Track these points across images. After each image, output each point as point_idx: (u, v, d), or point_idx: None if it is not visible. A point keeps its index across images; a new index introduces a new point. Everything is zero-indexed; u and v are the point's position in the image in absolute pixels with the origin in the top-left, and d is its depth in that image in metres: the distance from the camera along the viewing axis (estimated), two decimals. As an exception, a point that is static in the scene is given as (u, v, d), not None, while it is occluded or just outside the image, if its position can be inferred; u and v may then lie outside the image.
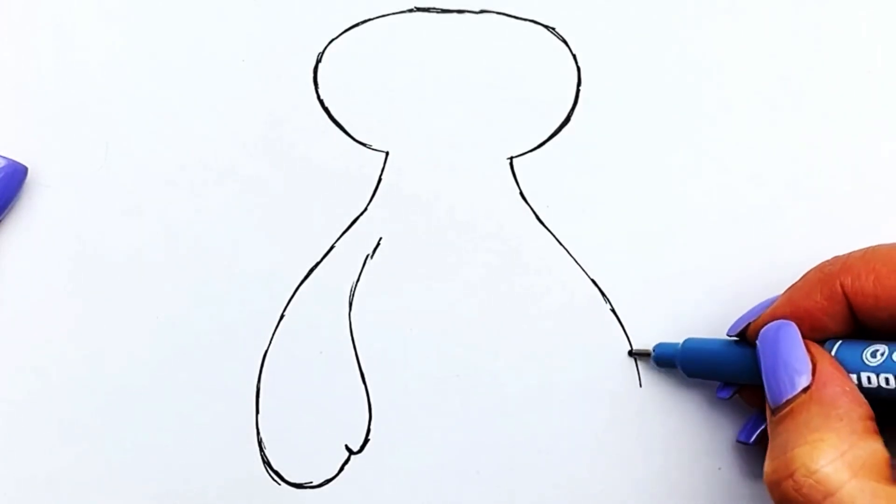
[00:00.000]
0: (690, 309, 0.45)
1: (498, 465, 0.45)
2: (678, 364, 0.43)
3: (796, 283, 0.40)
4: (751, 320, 0.41)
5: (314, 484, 0.45)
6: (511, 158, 0.46)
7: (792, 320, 0.39)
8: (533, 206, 0.46)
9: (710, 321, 0.45)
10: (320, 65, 0.47)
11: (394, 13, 0.47)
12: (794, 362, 0.38)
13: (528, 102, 0.46)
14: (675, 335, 0.45)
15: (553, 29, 0.46)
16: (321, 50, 0.47)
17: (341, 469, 0.45)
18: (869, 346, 0.38)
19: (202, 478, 0.45)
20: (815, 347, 0.39)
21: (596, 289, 0.45)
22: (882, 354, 0.38)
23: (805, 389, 0.37)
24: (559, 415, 0.45)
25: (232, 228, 0.46)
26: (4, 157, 0.46)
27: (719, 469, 0.44)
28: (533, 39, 0.46)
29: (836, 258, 0.40)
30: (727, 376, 0.42)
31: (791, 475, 0.36)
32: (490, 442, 0.45)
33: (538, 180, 0.46)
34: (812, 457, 0.36)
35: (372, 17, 0.47)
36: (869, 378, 0.38)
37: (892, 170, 0.45)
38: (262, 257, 0.46)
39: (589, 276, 0.45)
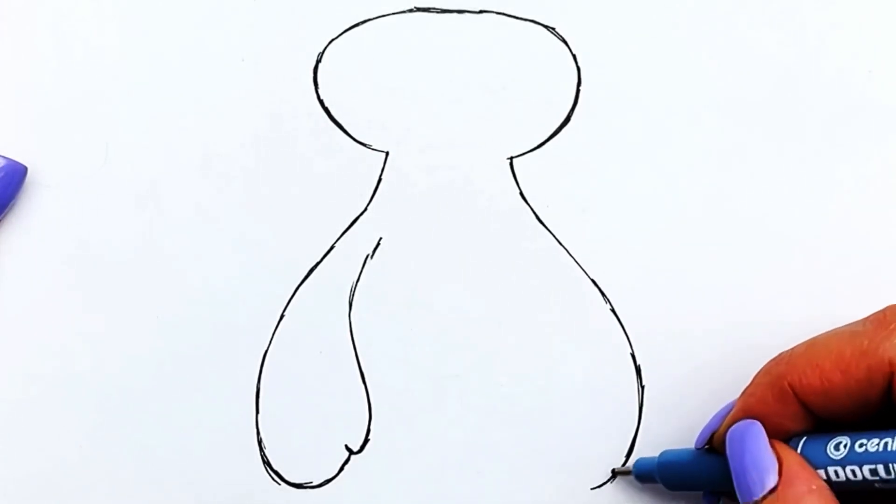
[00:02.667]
0: (690, 309, 0.45)
1: (498, 465, 0.45)
2: (658, 479, 0.43)
3: (748, 388, 0.40)
4: (714, 430, 0.41)
5: (314, 484, 0.45)
6: (511, 158, 0.46)
7: None
8: (533, 206, 0.46)
9: (710, 321, 0.45)
10: (320, 65, 0.47)
11: (394, 13, 0.47)
12: (760, 463, 0.38)
13: (528, 102, 0.46)
14: (675, 335, 0.45)
15: (553, 29, 0.46)
16: (321, 50, 0.47)
17: (341, 469, 0.45)
18: (832, 438, 0.38)
19: (202, 478, 0.45)
20: (781, 446, 0.39)
21: (596, 289, 0.45)
22: (845, 447, 0.38)
23: (773, 490, 0.37)
24: (559, 415, 0.45)
25: (232, 228, 0.46)
26: (4, 157, 0.46)
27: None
28: (533, 39, 0.46)
29: (781, 356, 0.39)
30: (706, 486, 0.42)
31: None
32: (490, 442, 0.45)
33: (538, 180, 0.46)
34: None
35: (372, 17, 0.47)
36: (836, 472, 0.37)
37: (893, 171, 0.45)
38: (262, 257, 0.46)
39: (589, 276, 0.45)
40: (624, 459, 0.45)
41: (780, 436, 0.39)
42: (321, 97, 0.47)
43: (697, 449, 0.42)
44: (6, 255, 0.46)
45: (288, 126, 0.46)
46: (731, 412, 0.40)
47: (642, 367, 0.45)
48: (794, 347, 0.39)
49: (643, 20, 0.46)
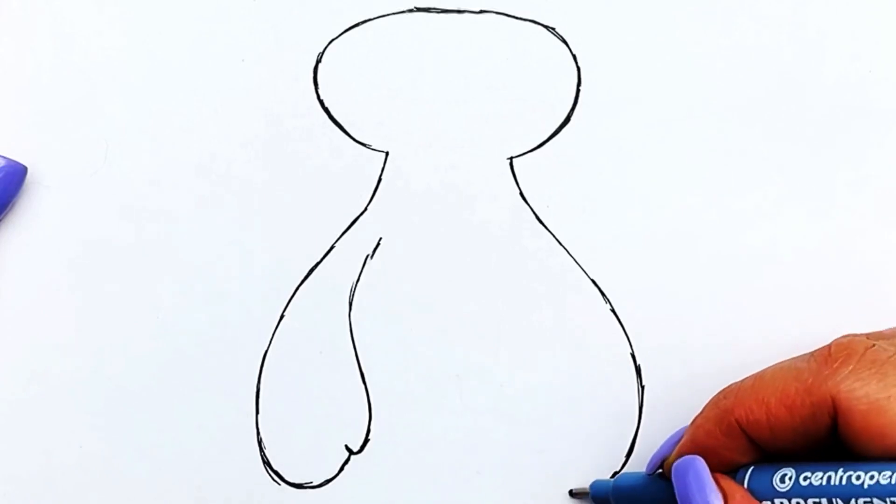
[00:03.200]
0: (690, 309, 0.45)
1: (498, 465, 0.45)
2: (612, 501, 0.43)
3: (696, 419, 0.40)
4: (664, 456, 0.41)
5: (314, 484, 0.45)
6: (511, 158, 0.46)
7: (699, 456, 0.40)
8: (533, 206, 0.46)
9: (711, 321, 0.45)
10: (320, 65, 0.47)
11: (394, 13, 0.47)
12: (704, 498, 0.38)
13: (528, 102, 0.46)
14: (675, 335, 0.45)
15: (553, 29, 0.46)
16: (321, 50, 0.47)
17: (341, 469, 0.45)
18: (778, 470, 0.38)
19: (202, 478, 0.45)
20: (726, 480, 0.39)
21: (596, 289, 0.45)
22: (790, 479, 0.38)
23: None
24: (559, 415, 0.45)
25: (232, 228, 0.46)
26: (4, 157, 0.46)
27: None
28: (533, 39, 0.46)
29: (729, 390, 0.40)
30: None
31: None
32: (490, 442, 0.45)
33: (538, 180, 0.46)
34: None
35: (372, 17, 0.47)
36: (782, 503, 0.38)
37: (893, 171, 0.45)
38: (263, 257, 0.46)
39: (589, 276, 0.45)
40: (624, 460, 0.45)
41: (727, 467, 0.39)
42: (321, 97, 0.47)
43: (648, 475, 0.42)
44: (6, 254, 0.46)
45: (288, 126, 0.46)
46: (680, 442, 0.41)
47: (642, 367, 0.45)
48: (743, 381, 0.39)
49: (643, 20, 0.46)
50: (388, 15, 0.47)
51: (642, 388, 0.45)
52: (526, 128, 0.46)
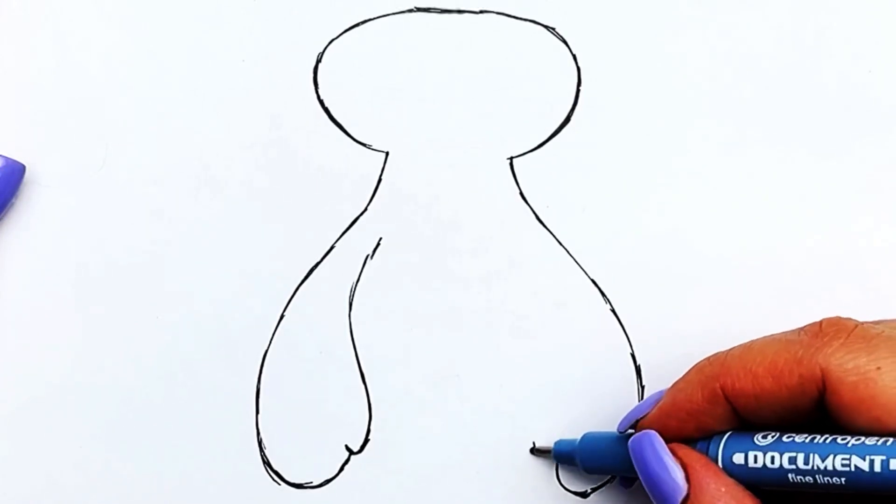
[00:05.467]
0: (690, 309, 0.45)
1: (498, 465, 0.45)
2: (577, 461, 0.43)
3: (678, 383, 0.40)
4: (638, 417, 0.41)
5: (314, 484, 0.45)
6: (511, 158, 0.46)
7: (674, 420, 0.39)
8: (533, 206, 0.46)
9: (710, 321, 0.45)
10: (320, 65, 0.47)
11: (394, 13, 0.47)
12: (664, 474, 0.38)
13: (528, 102, 0.46)
14: (675, 335, 0.45)
15: (553, 29, 0.46)
16: (321, 50, 0.47)
17: (341, 469, 0.45)
18: (760, 431, 0.38)
19: (202, 478, 0.45)
20: (685, 450, 0.39)
21: (596, 289, 0.45)
22: (773, 437, 0.38)
23: (685, 499, 0.38)
24: (559, 415, 0.45)
25: (232, 228, 0.46)
26: (2, 156, 0.46)
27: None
28: (533, 39, 0.46)
29: (716, 357, 0.39)
30: (624, 471, 0.42)
31: None
32: (490, 442, 0.45)
33: (538, 180, 0.46)
34: None
35: (372, 17, 0.47)
36: (756, 457, 0.37)
37: (893, 171, 0.45)
38: (262, 257, 0.46)
39: (589, 277, 0.45)
40: (623, 459, 0.45)
41: (703, 433, 0.39)
42: (321, 97, 0.47)
43: (620, 433, 0.41)
44: (4, 254, 0.46)
45: (288, 126, 0.46)
46: (659, 403, 0.40)
47: (642, 367, 0.45)
48: (730, 349, 0.39)
49: (643, 20, 0.46)
50: (388, 15, 0.47)
51: (642, 388, 0.45)
52: (526, 128, 0.46)
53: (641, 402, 0.42)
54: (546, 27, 0.46)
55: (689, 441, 0.39)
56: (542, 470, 0.45)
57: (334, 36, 0.47)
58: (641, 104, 0.46)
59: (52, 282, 0.46)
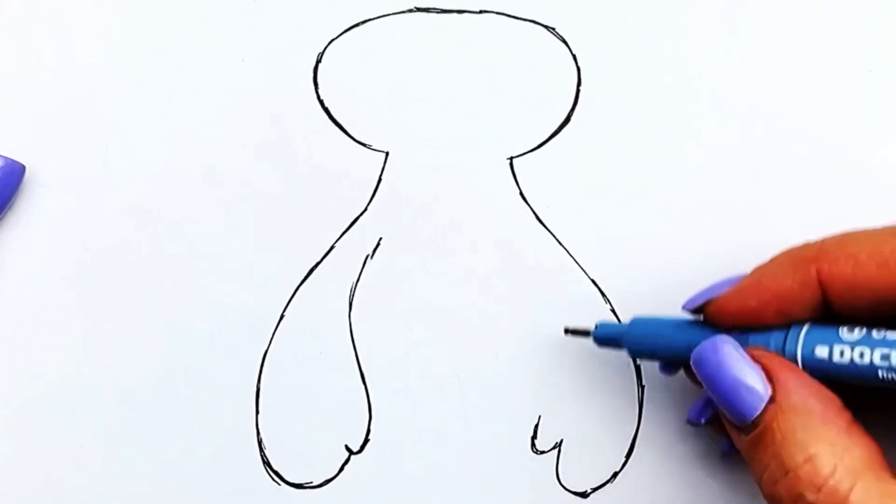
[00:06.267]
0: (690, 309, 0.45)
1: (498, 465, 0.45)
2: (623, 342, 0.41)
3: (765, 264, 0.38)
4: (711, 297, 0.39)
5: (314, 484, 0.45)
6: (511, 158, 0.46)
7: (754, 301, 0.37)
8: (533, 206, 0.46)
9: (710, 321, 0.45)
10: (320, 65, 0.47)
11: (394, 13, 0.47)
12: (746, 379, 0.36)
13: (528, 102, 0.46)
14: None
15: (553, 29, 0.46)
16: (321, 50, 0.47)
17: (341, 469, 0.45)
18: (845, 325, 0.36)
19: (202, 478, 0.45)
20: (760, 352, 0.37)
21: (596, 289, 0.45)
22: (860, 331, 0.36)
23: (770, 402, 0.36)
24: (559, 415, 0.45)
25: (232, 228, 0.46)
26: (2, 156, 0.46)
27: (721, 466, 0.44)
28: (533, 39, 0.46)
29: (810, 244, 0.37)
30: (677, 357, 0.40)
31: (797, 499, 0.35)
32: (490, 442, 0.45)
33: (538, 180, 0.46)
34: (813, 475, 0.34)
35: (372, 17, 0.47)
36: (842, 352, 0.35)
37: (893, 171, 0.45)
38: (263, 257, 0.46)
39: (589, 276, 0.45)
40: (624, 460, 0.45)
41: (780, 321, 0.37)
42: (321, 97, 0.47)
43: (685, 309, 0.39)
44: (4, 254, 0.46)
45: (288, 126, 0.46)
46: (741, 283, 0.38)
47: (642, 367, 0.45)
48: (825, 238, 0.37)
49: (643, 20, 0.46)
50: (387, 15, 0.47)
51: (642, 388, 0.45)
52: (526, 128, 0.46)
53: (715, 283, 0.39)
54: (546, 27, 0.46)
55: (763, 330, 0.37)
56: (542, 470, 0.45)
57: (334, 36, 0.47)
58: (641, 104, 0.46)
59: (52, 282, 0.46)
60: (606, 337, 0.43)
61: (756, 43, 0.46)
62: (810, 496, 0.34)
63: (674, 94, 0.46)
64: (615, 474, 0.45)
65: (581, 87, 0.46)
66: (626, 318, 0.45)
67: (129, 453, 0.45)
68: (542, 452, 0.45)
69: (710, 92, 0.46)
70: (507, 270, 0.46)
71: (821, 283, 0.36)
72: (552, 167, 0.46)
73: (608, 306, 0.45)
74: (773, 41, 0.46)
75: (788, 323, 0.37)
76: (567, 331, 0.44)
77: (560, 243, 0.46)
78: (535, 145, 0.46)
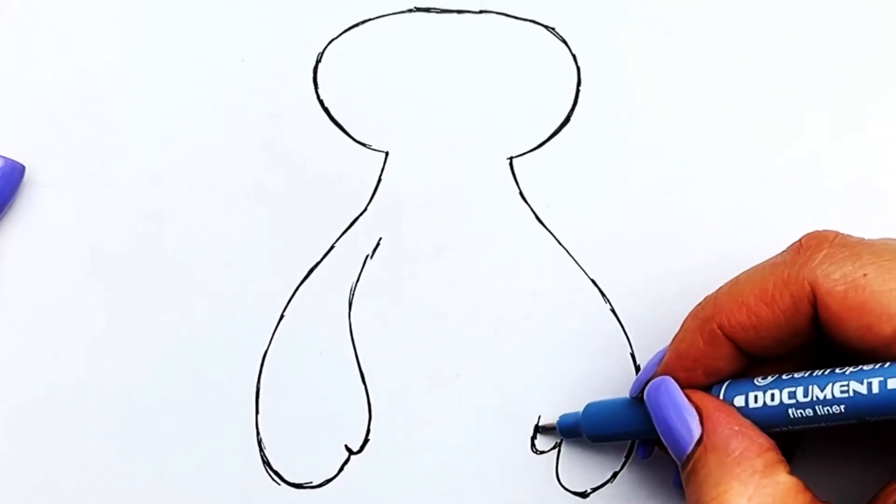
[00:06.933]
0: (690, 309, 0.45)
1: (498, 465, 0.45)
2: (582, 430, 0.43)
3: (677, 334, 0.40)
4: (647, 378, 0.41)
5: (314, 484, 0.45)
6: (511, 158, 0.46)
7: (681, 371, 0.39)
8: (533, 206, 0.46)
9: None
10: (320, 65, 0.47)
11: (394, 13, 0.47)
12: (679, 416, 0.38)
13: (528, 102, 0.46)
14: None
15: (553, 29, 0.46)
16: (321, 50, 0.47)
17: (341, 469, 0.45)
18: (759, 376, 0.38)
19: (202, 478, 0.45)
20: (698, 395, 0.39)
21: (596, 289, 0.45)
22: (772, 377, 0.38)
23: (699, 441, 0.38)
24: (559, 415, 0.45)
25: (231, 228, 0.46)
26: (2, 156, 0.46)
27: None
28: (533, 39, 0.46)
29: (707, 299, 0.39)
30: (634, 435, 0.42)
31: None
32: (490, 442, 0.45)
33: (538, 180, 0.46)
34: None
35: (372, 17, 0.47)
36: (756, 397, 0.38)
37: (893, 171, 0.45)
38: (262, 257, 0.46)
39: (589, 277, 0.45)
40: (623, 460, 0.45)
41: (714, 377, 0.39)
42: (321, 97, 0.47)
43: (632, 398, 0.41)
44: (4, 254, 0.46)
45: (288, 126, 0.46)
46: (663, 359, 0.40)
47: (642, 367, 0.45)
48: (718, 289, 0.39)
49: (643, 20, 0.46)
50: (387, 15, 0.47)
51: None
52: (526, 128, 0.46)
53: (646, 364, 0.41)
54: (546, 27, 0.46)
55: (701, 388, 0.39)
56: (542, 470, 0.45)
57: (334, 36, 0.47)
58: (641, 104, 0.46)
59: (52, 282, 0.46)
60: (567, 427, 0.44)
61: (756, 43, 0.46)
62: None
63: (673, 93, 0.46)
64: (615, 474, 0.45)
65: (581, 87, 0.46)
66: (625, 318, 0.45)
67: (128, 453, 0.45)
68: (542, 452, 0.45)
69: (709, 91, 0.46)
70: (507, 270, 0.46)
71: (727, 337, 0.38)
72: (552, 167, 0.46)
73: (608, 306, 0.45)
74: (773, 41, 0.46)
75: (723, 380, 0.39)
76: (537, 427, 0.45)
77: (560, 243, 0.46)
78: (535, 145, 0.46)
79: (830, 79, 0.46)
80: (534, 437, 0.45)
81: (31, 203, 0.47)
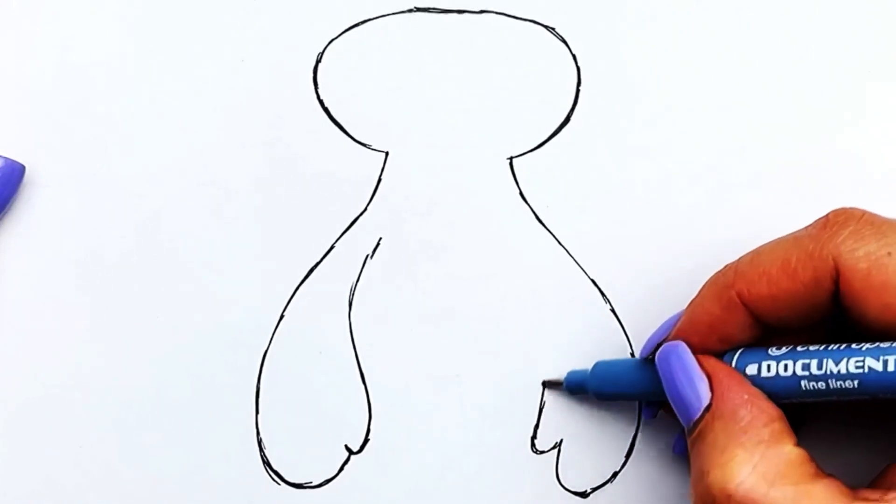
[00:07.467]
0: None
1: (498, 465, 0.45)
2: (589, 388, 0.43)
3: (693, 300, 0.40)
4: (659, 340, 0.41)
5: (314, 484, 0.45)
6: (511, 158, 0.46)
7: (695, 336, 0.39)
8: (533, 206, 0.46)
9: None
10: (320, 65, 0.47)
11: (394, 13, 0.47)
12: (690, 382, 0.38)
13: (528, 102, 0.46)
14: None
15: (553, 29, 0.46)
16: (321, 50, 0.47)
17: (341, 469, 0.45)
18: (774, 346, 0.38)
19: (202, 478, 0.45)
20: (710, 361, 0.39)
21: (596, 289, 0.45)
22: (787, 347, 0.38)
23: (707, 408, 0.38)
24: (559, 415, 0.45)
25: (231, 228, 0.46)
26: (2, 156, 0.46)
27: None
28: (533, 39, 0.46)
29: (728, 267, 0.39)
30: (642, 396, 0.42)
31: (713, 502, 0.36)
32: (490, 442, 0.45)
33: (538, 180, 0.46)
34: (726, 479, 0.36)
35: (372, 17, 0.47)
36: (769, 366, 0.38)
37: (892, 171, 0.45)
38: (262, 257, 0.46)
39: (589, 277, 0.45)
40: (623, 460, 0.45)
41: (723, 346, 0.39)
42: (321, 97, 0.47)
43: (642, 359, 0.42)
44: (4, 254, 0.46)
45: (288, 126, 0.46)
46: (678, 322, 0.40)
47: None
48: (740, 258, 0.39)
49: (643, 20, 0.46)
50: (388, 15, 0.47)
51: (642, 387, 0.45)
52: (526, 128, 0.46)
53: (660, 326, 0.41)
54: (546, 27, 0.46)
55: (714, 355, 0.39)
56: (542, 470, 0.45)
57: (334, 36, 0.47)
58: (641, 104, 0.46)
59: (52, 282, 0.46)
60: (574, 384, 0.44)
61: (756, 43, 0.46)
62: (720, 499, 0.36)
63: (673, 93, 0.46)
64: (615, 474, 0.45)
65: (581, 87, 0.46)
66: (625, 318, 0.45)
67: (128, 453, 0.45)
68: (542, 452, 0.45)
69: (709, 92, 0.46)
70: (507, 270, 0.46)
71: (744, 305, 0.38)
72: (552, 167, 0.46)
73: (608, 306, 0.45)
74: (773, 41, 0.46)
75: (736, 348, 0.39)
76: (545, 384, 0.45)
77: (560, 243, 0.46)
78: (535, 145, 0.46)
79: (830, 79, 0.46)
80: (534, 437, 0.45)
81: (31, 203, 0.47)
